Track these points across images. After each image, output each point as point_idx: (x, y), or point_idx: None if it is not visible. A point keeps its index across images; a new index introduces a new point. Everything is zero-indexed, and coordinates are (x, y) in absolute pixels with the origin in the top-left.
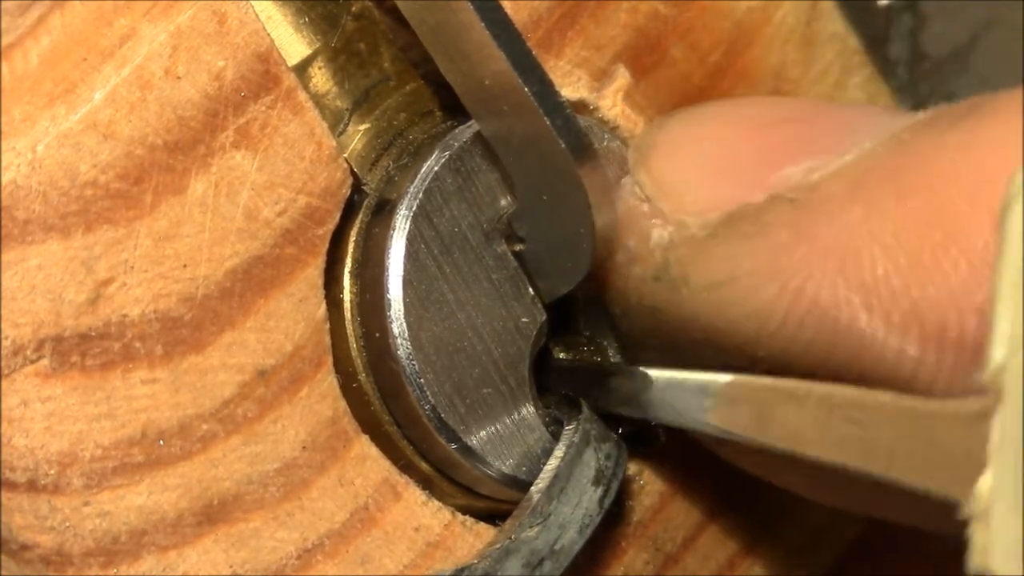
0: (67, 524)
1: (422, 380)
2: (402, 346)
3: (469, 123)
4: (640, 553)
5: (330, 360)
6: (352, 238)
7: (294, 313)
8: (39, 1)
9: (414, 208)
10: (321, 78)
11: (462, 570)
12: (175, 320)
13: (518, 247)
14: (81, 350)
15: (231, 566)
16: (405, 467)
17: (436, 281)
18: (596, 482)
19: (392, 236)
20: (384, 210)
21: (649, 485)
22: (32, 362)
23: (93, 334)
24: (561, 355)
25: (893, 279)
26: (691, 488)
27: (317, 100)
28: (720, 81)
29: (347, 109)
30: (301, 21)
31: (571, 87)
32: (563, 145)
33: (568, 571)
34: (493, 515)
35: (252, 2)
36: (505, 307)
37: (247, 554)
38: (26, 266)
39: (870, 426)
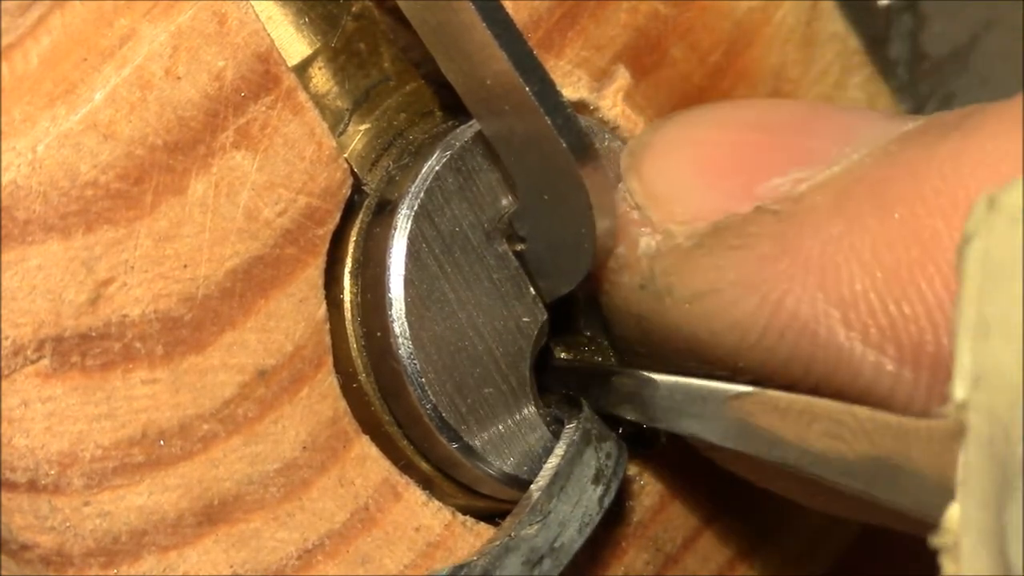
0: (67, 524)
1: (423, 379)
2: (403, 345)
3: (470, 123)
4: (640, 553)
5: (330, 360)
6: (352, 238)
7: (294, 313)
8: (39, 1)
9: (415, 207)
10: (321, 78)
11: (461, 567)
12: (175, 320)
13: (519, 247)
14: (81, 350)
15: (231, 566)
16: (405, 467)
17: (437, 280)
18: (596, 481)
19: (393, 235)
20: (385, 210)
21: (649, 485)
22: (32, 362)
23: (93, 334)
24: (562, 355)
25: (871, 295)
26: (691, 489)
27: (317, 100)
28: (720, 81)
29: (347, 109)
30: (301, 21)
31: (571, 87)
32: (564, 145)
33: (568, 571)
34: (493, 515)
35: (252, 2)
36: (506, 307)
37: (247, 554)
38: (26, 266)
39: (848, 440)
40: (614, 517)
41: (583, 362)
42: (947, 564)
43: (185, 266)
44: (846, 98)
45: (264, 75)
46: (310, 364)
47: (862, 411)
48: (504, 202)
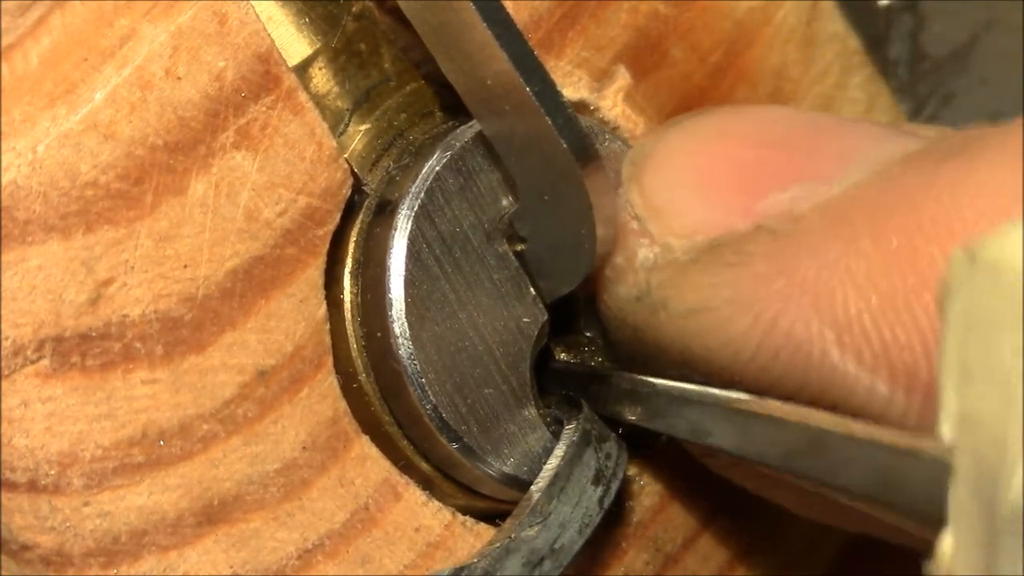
0: (67, 524)
1: (423, 380)
2: (403, 346)
3: (471, 123)
4: (640, 553)
5: (330, 360)
6: (352, 238)
7: (294, 313)
8: (39, 1)
9: (416, 208)
10: (321, 78)
11: (462, 569)
12: (175, 320)
13: (519, 247)
14: (81, 350)
15: (231, 566)
16: (405, 467)
17: (437, 281)
18: (596, 482)
19: (394, 236)
20: (385, 210)
21: (649, 486)
22: (32, 362)
23: (93, 334)
24: (562, 355)
25: (865, 318)
26: (691, 489)
27: (317, 100)
28: (720, 81)
29: (347, 109)
30: (302, 21)
31: (571, 87)
32: (565, 145)
33: (568, 571)
34: (493, 515)
35: (252, 2)
36: (506, 307)
37: (247, 554)
38: (26, 266)
39: (844, 456)
40: (614, 517)
41: (581, 364)
42: None
43: (185, 266)
44: (846, 98)
45: (264, 75)
46: (310, 364)
47: (858, 426)
48: (504, 202)
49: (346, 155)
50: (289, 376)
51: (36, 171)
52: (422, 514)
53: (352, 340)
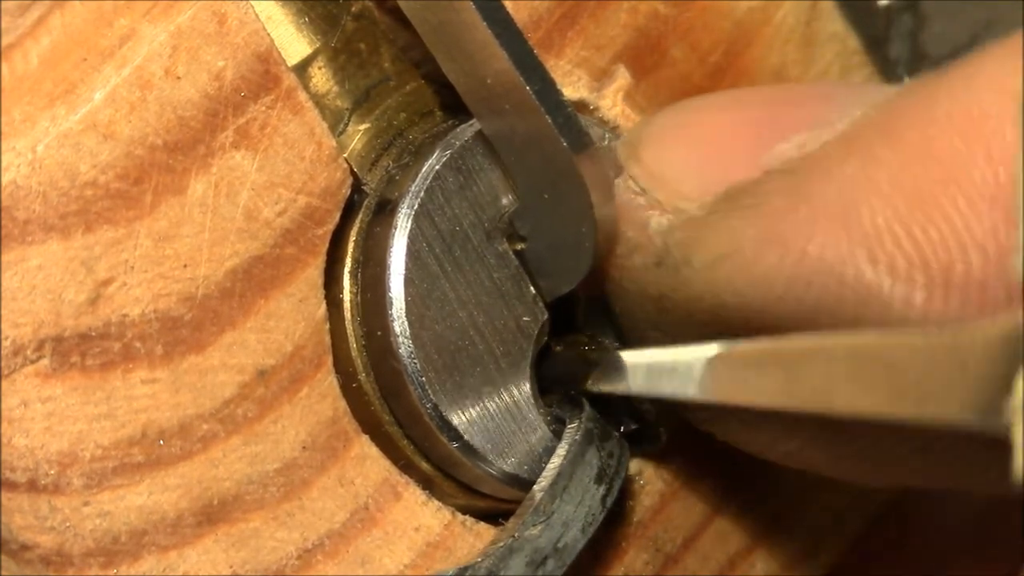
0: (67, 524)
1: (424, 379)
2: (403, 344)
3: (470, 122)
4: (640, 553)
5: (330, 360)
6: (352, 238)
7: (294, 313)
8: (39, 1)
9: (416, 206)
10: (321, 78)
11: (465, 569)
12: (175, 320)
13: (519, 246)
14: (81, 350)
15: (231, 566)
16: (405, 467)
17: (437, 280)
18: (599, 480)
19: (394, 234)
20: (385, 209)
21: (649, 485)
22: (32, 362)
23: (93, 334)
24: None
25: (895, 226)
26: (691, 488)
27: (317, 100)
28: (720, 81)
29: (347, 109)
30: (301, 21)
31: (571, 87)
32: (565, 144)
33: (569, 571)
34: (493, 515)
35: (252, 2)
36: (507, 306)
37: (247, 554)
38: (26, 266)
39: (903, 368)
40: (614, 517)
41: (570, 353)
42: (1018, 433)
43: (185, 266)
44: None
45: (264, 75)
46: (310, 364)
47: (913, 334)
48: (504, 201)
49: (346, 155)
50: (289, 376)
51: (36, 171)
52: (422, 514)
53: (352, 340)
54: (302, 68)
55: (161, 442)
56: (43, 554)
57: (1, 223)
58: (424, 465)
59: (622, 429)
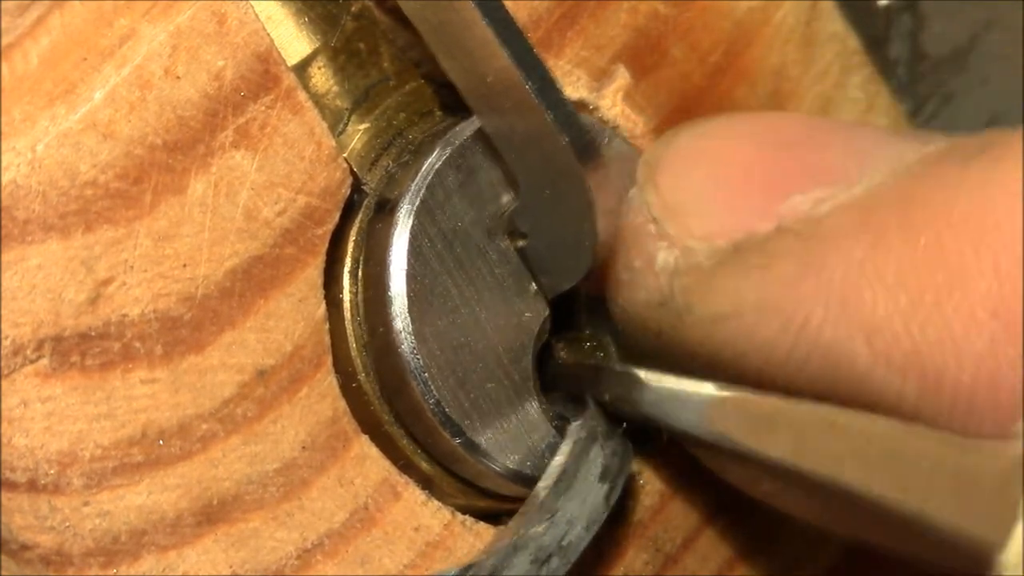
0: (67, 524)
1: (426, 375)
2: (406, 341)
3: (471, 120)
4: (640, 553)
5: (330, 360)
6: (352, 238)
7: (294, 313)
8: (39, 1)
9: (417, 204)
10: (321, 78)
11: (469, 567)
12: (175, 320)
13: (520, 243)
14: (81, 350)
15: (231, 566)
16: (405, 467)
17: (439, 277)
18: (603, 479)
19: (395, 232)
20: (385, 208)
21: (649, 485)
22: (32, 362)
23: (93, 334)
24: (563, 352)
25: (895, 320)
26: (691, 488)
27: (317, 100)
28: (720, 81)
29: (347, 109)
30: (301, 21)
31: (571, 87)
32: (565, 141)
33: (570, 570)
34: (493, 515)
35: (252, 2)
36: (508, 303)
37: (247, 554)
38: (26, 266)
39: (909, 461)
40: (614, 516)
41: (580, 364)
42: None
43: (185, 266)
44: (846, 98)
45: (264, 75)
46: (309, 364)
47: (923, 431)
48: (505, 199)
49: (345, 154)
50: (288, 376)
51: (35, 170)
52: (422, 513)
53: (351, 339)
54: (302, 68)
55: (161, 442)
56: (43, 554)
57: (1, 223)
58: (424, 465)
59: (625, 426)
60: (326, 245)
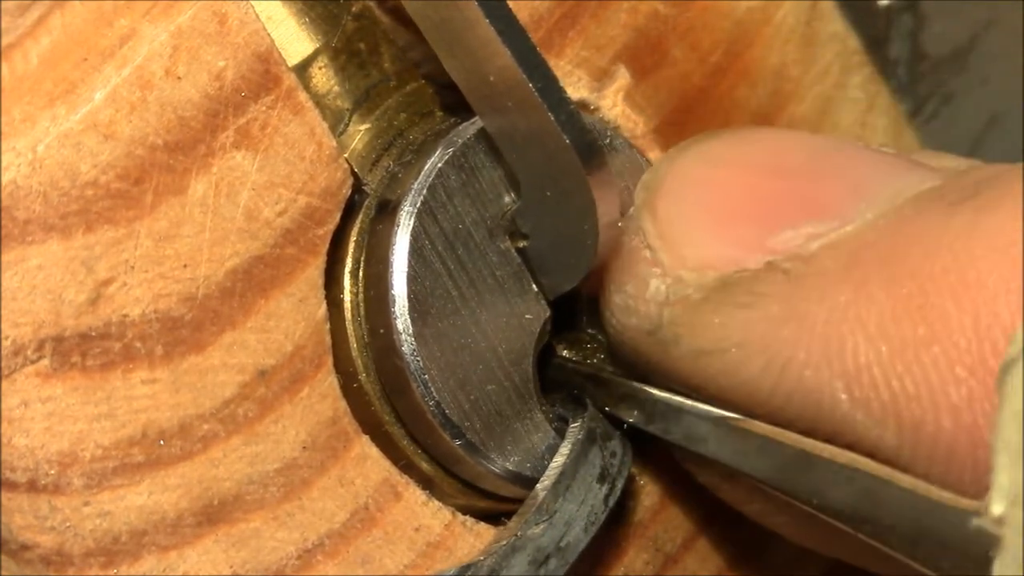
0: (67, 524)
1: (426, 376)
2: (406, 342)
3: (472, 120)
4: (640, 553)
5: (330, 360)
6: (352, 238)
7: (294, 313)
8: (39, 1)
9: (418, 204)
10: (321, 78)
11: (467, 568)
12: (175, 320)
13: (522, 244)
14: (81, 350)
15: (231, 566)
16: (405, 467)
17: (440, 277)
18: (601, 480)
19: (396, 232)
20: (387, 208)
21: (649, 485)
22: (32, 362)
23: (93, 334)
24: (564, 353)
25: (875, 369)
26: (692, 489)
27: (317, 100)
28: (720, 81)
29: (348, 109)
30: (302, 21)
31: (571, 87)
32: (567, 141)
33: (569, 570)
34: (493, 515)
35: (252, 2)
36: (509, 303)
37: (247, 554)
38: (26, 266)
39: (887, 503)
40: (614, 517)
41: (582, 365)
42: None
43: (185, 266)
44: (846, 98)
45: (264, 75)
46: (310, 364)
47: (904, 477)
48: (507, 199)
49: (346, 155)
50: (289, 376)
51: (36, 171)
52: (422, 514)
53: (352, 340)
54: (302, 68)
55: (161, 442)
56: (43, 554)
57: (1, 223)
58: (424, 465)
59: (624, 427)
60: (327, 245)
